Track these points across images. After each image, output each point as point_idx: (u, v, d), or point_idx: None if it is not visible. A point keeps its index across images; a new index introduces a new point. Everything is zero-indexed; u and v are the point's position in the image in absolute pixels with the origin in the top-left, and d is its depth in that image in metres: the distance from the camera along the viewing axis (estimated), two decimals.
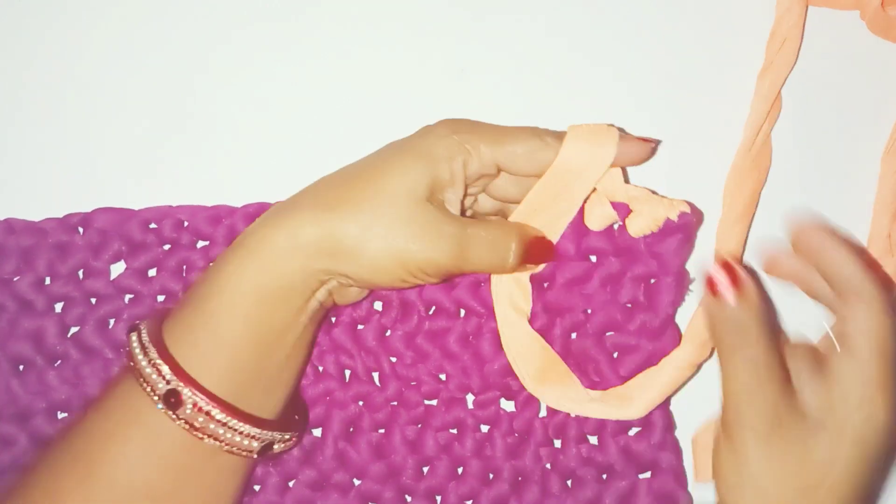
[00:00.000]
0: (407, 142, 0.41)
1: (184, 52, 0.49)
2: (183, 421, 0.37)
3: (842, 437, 0.38)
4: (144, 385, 0.38)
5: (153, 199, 0.47)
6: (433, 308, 0.46)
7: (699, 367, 0.44)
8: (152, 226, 0.46)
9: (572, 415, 0.45)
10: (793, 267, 0.43)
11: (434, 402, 0.46)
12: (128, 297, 0.46)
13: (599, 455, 0.45)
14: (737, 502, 0.39)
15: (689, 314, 0.45)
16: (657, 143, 0.43)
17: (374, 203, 0.38)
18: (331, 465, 0.45)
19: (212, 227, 0.46)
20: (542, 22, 0.50)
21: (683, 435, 0.46)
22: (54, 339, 0.45)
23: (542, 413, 0.46)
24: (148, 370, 0.38)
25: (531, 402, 0.46)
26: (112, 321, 0.46)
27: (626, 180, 0.43)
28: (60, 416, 0.45)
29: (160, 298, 0.46)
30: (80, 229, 0.46)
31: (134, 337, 0.39)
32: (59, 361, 0.46)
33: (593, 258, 0.44)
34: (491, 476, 0.46)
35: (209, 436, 0.38)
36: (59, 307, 0.46)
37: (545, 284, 0.44)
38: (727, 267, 0.39)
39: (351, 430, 0.46)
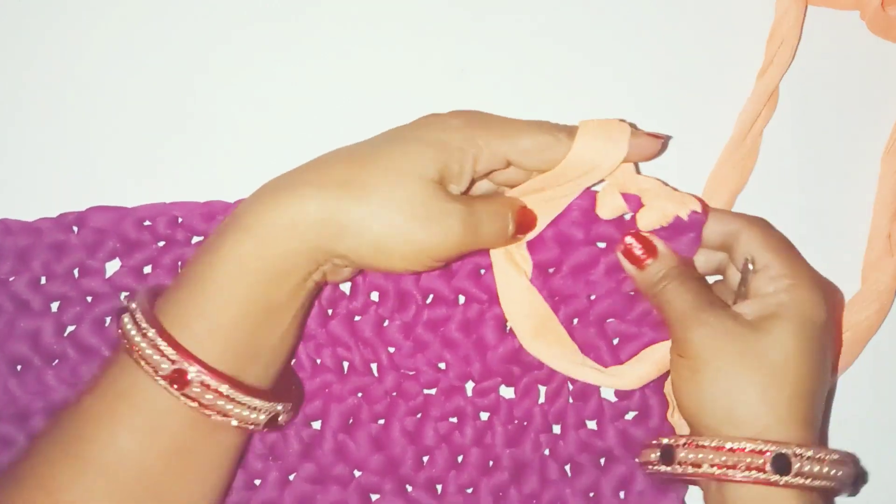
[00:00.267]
0: (415, 129, 0.40)
1: (184, 52, 0.49)
2: (190, 399, 0.37)
3: (784, 328, 0.39)
4: (145, 366, 0.37)
5: (153, 199, 0.47)
6: (430, 296, 0.46)
7: None
8: (147, 223, 0.46)
9: (564, 374, 0.45)
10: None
11: (433, 392, 0.46)
12: (124, 294, 0.46)
13: (598, 440, 0.45)
14: (700, 414, 0.39)
15: None
16: (667, 138, 0.43)
17: (382, 187, 0.38)
18: (330, 458, 0.45)
19: (206, 223, 0.46)
20: (543, 22, 0.50)
21: None
22: (51, 338, 0.45)
23: (541, 400, 0.46)
24: (148, 351, 0.37)
25: (531, 388, 0.46)
26: (108, 319, 0.45)
27: (638, 171, 0.44)
28: None
29: None
30: (75, 228, 0.46)
31: (127, 318, 0.38)
32: (56, 361, 0.45)
33: (602, 244, 0.45)
34: (491, 464, 0.46)
35: (217, 412, 0.38)
36: (55, 306, 0.46)
37: (550, 270, 0.45)
38: (639, 237, 0.42)
39: (350, 422, 0.46)
